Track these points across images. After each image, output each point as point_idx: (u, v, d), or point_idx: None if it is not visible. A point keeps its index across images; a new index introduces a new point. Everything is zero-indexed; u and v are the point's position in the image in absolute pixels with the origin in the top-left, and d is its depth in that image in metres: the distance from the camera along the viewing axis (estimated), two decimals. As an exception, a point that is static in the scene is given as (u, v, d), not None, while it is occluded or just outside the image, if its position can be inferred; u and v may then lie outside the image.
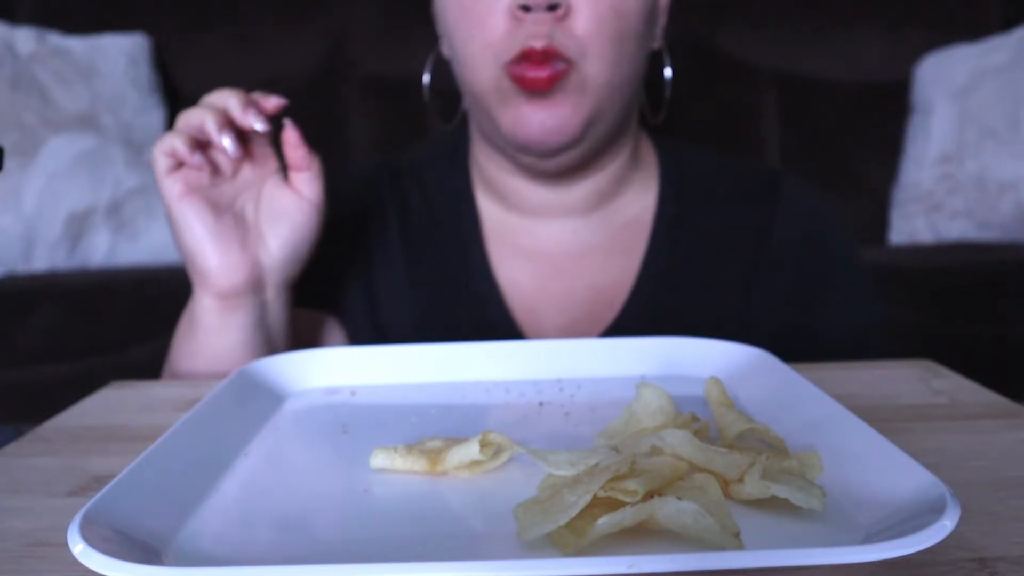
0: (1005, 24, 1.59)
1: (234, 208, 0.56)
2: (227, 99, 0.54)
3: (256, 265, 0.57)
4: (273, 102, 0.55)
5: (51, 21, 1.58)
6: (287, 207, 0.57)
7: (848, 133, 1.63)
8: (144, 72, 1.58)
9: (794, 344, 0.57)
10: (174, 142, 0.53)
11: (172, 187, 0.54)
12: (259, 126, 0.54)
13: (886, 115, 1.62)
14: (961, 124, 1.48)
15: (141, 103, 1.56)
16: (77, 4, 1.66)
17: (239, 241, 0.56)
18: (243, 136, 0.56)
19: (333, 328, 0.71)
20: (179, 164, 0.54)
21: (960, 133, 1.48)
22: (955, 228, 1.48)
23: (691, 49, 1.65)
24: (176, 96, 1.65)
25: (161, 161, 0.54)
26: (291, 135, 0.56)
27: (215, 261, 0.55)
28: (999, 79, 1.47)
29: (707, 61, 1.65)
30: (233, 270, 0.55)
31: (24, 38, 1.50)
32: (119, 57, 1.55)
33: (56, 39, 1.53)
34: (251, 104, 0.54)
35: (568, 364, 0.49)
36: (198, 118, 0.53)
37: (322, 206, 0.58)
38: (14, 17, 1.61)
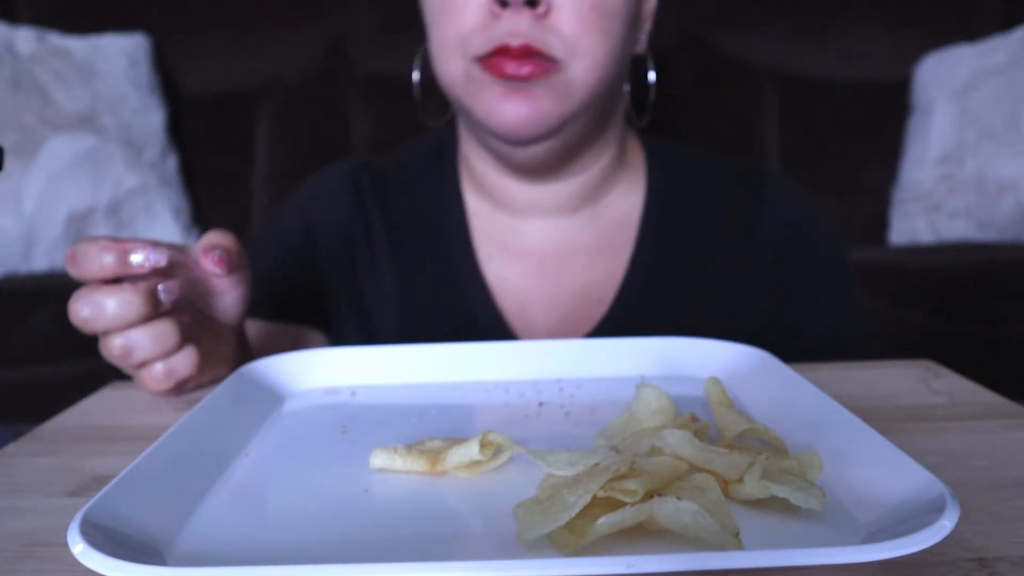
0: (1005, 24, 1.59)
1: (198, 341, 0.49)
2: (98, 268, 0.46)
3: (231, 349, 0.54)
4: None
5: (51, 21, 1.58)
6: (224, 303, 0.53)
7: (848, 133, 1.63)
8: (144, 72, 1.58)
9: (779, 341, 0.57)
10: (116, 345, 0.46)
11: (158, 388, 0.48)
12: (147, 262, 0.46)
13: (886, 115, 1.63)
14: (961, 124, 1.48)
15: (141, 103, 1.56)
16: (77, 4, 1.66)
17: (218, 356, 0.52)
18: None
19: (318, 342, 0.71)
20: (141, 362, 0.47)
21: (960, 133, 1.48)
22: (955, 228, 1.48)
23: (691, 49, 1.65)
24: (176, 96, 1.65)
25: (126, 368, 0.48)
26: (209, 264, 0.49)
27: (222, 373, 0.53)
28: (999, 79, 1.47)
29: (707, 61, 1.65)
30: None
31: (24, 38, 1.50)
32: (119, 57, 1.55)
33: (56, 39, 1.53)
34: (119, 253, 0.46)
35: (568, 364, 0.49)
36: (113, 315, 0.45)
37: (248, 273, 0.53)
38: (14, 17, 1.61)
